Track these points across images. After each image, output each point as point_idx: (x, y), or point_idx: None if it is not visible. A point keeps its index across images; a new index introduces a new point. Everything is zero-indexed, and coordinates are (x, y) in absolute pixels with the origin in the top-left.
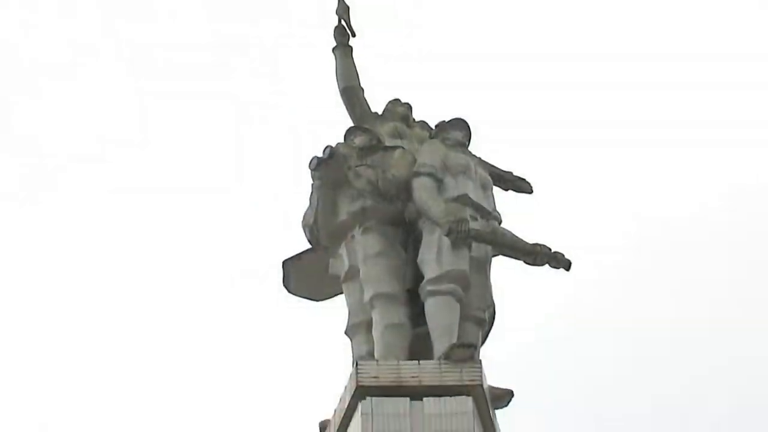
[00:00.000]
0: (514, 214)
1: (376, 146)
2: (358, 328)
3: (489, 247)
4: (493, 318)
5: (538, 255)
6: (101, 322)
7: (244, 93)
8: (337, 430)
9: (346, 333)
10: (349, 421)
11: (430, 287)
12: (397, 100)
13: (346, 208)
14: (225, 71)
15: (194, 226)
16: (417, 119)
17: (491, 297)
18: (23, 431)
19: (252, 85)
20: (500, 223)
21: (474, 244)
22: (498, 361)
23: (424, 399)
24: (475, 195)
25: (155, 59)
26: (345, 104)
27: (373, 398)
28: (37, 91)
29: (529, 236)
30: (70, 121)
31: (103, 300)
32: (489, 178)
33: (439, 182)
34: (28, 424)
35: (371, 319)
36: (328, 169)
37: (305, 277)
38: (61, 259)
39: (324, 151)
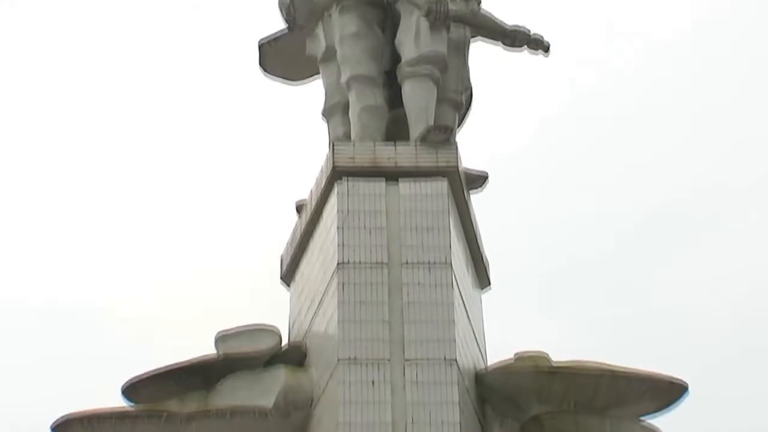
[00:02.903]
0: None
1: None
2: (334, 110)
3: (468, 30)
4: (470, 101)
5: (516, 37)
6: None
7: None
8: (314, 210)
9: (322, 114)
10: (325, 201)
11: (407, 69)
12: None
13: None
14: None
15: None
16: None
17: (468, 80)
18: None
19: None
20: (479, 4)
21: (452, 26)
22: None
23: (400, 180)
24: None
25: None
26: None
27: (349, 179)
28: None
29: (509, 20)
30: None
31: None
32: None
33: None
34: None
35: (348, 101)
36: None
37: (282, 58)
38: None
39: None
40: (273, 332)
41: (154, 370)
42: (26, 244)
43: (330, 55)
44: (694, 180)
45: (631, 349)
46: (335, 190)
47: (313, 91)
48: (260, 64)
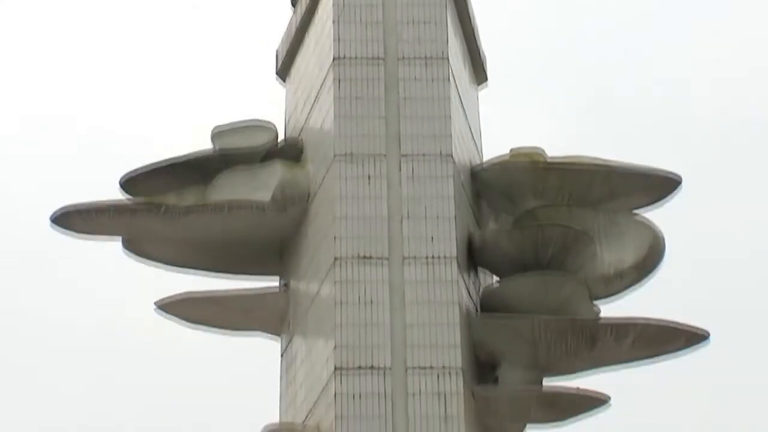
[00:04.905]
0: None
1: None
2: None
3: None
4: None
5: None
6: None
7: None
8: (309, 3)
9: None
10: None
11: None
12: None
13: None
14: None
15: None
16: None
17: None
18: None
19: None
20: None
21: None
22: None
23: None
24: None
25: None
26: None
27: None
28: None
29: None
30: None
31: None
32: None
33: None
34: None
35: None
36: None
37: None
38: None
39: None
40: (269, 128)
41: (152, 164)
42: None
43: None
44: None
45: (628, 146)
46: None
47: None
48: None
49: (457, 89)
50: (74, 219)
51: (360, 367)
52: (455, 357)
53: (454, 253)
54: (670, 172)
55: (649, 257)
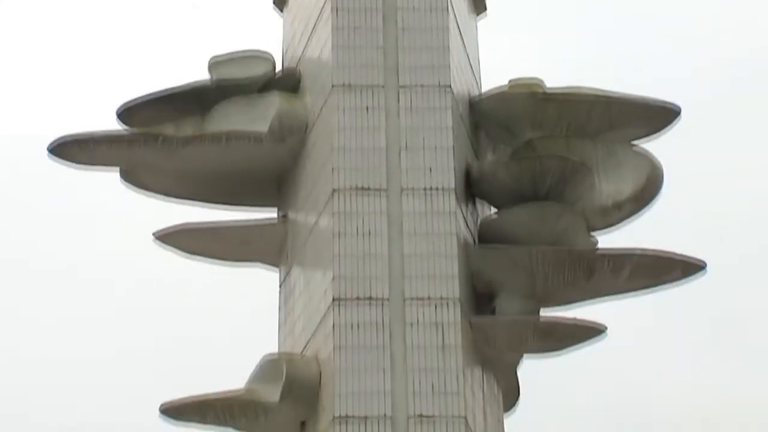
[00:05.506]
0: None
1: None
2: None
3: None
4: None
5: None
6: None
7: None
8: None
9: None
10: None
11: None
12: None
13: None
14: None
15: None
16: None
17: None
18: None
19: None
20: None
21: None
22: None
23: None
24: None
25: None
26: None
27: None
28: None
29: None
30: None
31: None
32: None
33: None
34: None
35: None
36: None
37: None
38: None
39: None
40: (266, 58)
41: (149, 95)
42: None
43: None
44: None
45: (629, 77)
46: None
47: None
48: None
49: (456, 19)
50: (72, 149)
51: (358, 298)
52: (453, 288)
53: (452, 185)
54: (669, 103)
55: (647, 188)
